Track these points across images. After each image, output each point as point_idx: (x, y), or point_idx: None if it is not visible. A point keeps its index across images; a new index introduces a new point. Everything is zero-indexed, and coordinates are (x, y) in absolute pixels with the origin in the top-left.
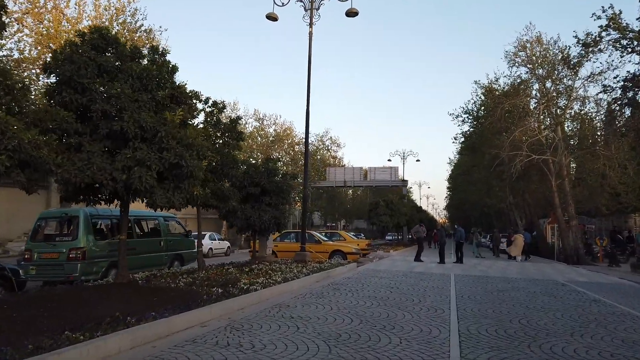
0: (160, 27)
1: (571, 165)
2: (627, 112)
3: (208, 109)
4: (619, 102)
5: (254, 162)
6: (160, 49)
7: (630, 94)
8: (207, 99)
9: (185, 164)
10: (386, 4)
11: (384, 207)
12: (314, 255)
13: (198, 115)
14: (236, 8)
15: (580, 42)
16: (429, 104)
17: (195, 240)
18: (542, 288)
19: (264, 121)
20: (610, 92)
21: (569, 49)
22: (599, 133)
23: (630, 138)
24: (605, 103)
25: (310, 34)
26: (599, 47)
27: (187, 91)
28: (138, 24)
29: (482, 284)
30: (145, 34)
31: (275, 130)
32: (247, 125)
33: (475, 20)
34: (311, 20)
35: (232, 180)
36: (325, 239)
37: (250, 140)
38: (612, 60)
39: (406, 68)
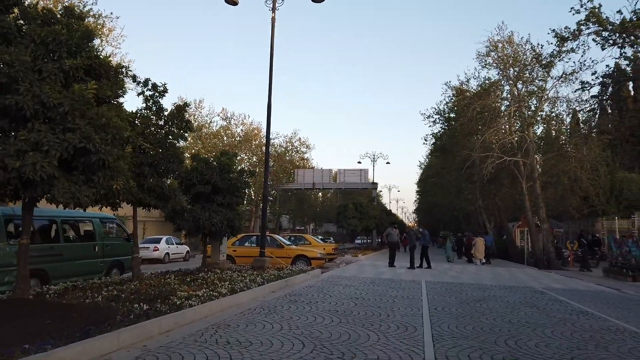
0: (111, 13)
1: (539, 169)
2: (599, 111)
3: (148, 93)
4: (598, 99)
5: (204, 157)
6: (77, 12)
7: (610, 90)
8: (147, 80)
9: (95, 148)
10: (357, 4)
11: (353, 210)
12: (275, 260)
13: (124, 93)
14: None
15: (558, 36)
16: (400, 107)
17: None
18: (520, 297)
19: (232, 120)
20: (589, 89)
21: (541, 47)
22: (568, 135)
23: (604, 139)
24: (576, 104)
25: (273, 19)
26: (577, 41)
27: (110, 63)
28: (86, 9)
29: (456, 292)
30: (93, 19)
31: (242, 130)
32: (212, 124)
33: (450, 20)
34: (274, 4)
35: (176, 176)
36: (289, 243)
37: (216, 140)
38: (585, 60)
39: (378, 69)
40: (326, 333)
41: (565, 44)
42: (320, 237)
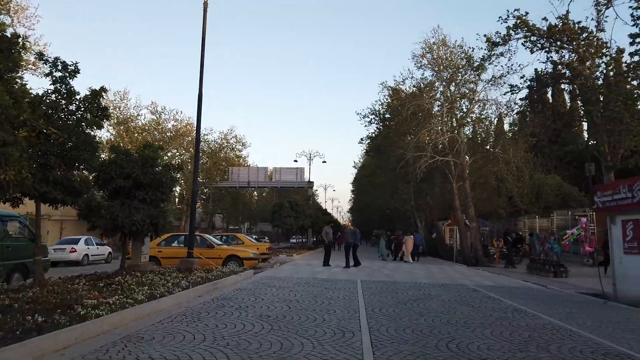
0: None
1: (466, 170)
2: (528, 113)
3: (58, 74)
4: (526, 101)
5: (125, 148)
6: None
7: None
8: (56, 59)
9: None
10: (294, 2)
11: (288, 208)
12: (204, 262)
13: (20, 68)
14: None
15: (490, 41)
16: (338, 107)
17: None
18: (455, 295)
19: (162, 115)
20: (517, 92)
21: (473, 50)
22: (495, 137)
23: (529, 140)
24: (504, 107)
25: (205, 4)
26: (507, 45)
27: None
28: None
29: (392, 291)
30: None
31: (174, 125)
32: (140, 117)
33: (389, 20)
34: None
35: (90, 168)
36: (220, 242)
37: (145, 135)
38: (512, 65)
39: (315, 68)
40: (255, 343)
41: (496, 48)
42: (254, 236)
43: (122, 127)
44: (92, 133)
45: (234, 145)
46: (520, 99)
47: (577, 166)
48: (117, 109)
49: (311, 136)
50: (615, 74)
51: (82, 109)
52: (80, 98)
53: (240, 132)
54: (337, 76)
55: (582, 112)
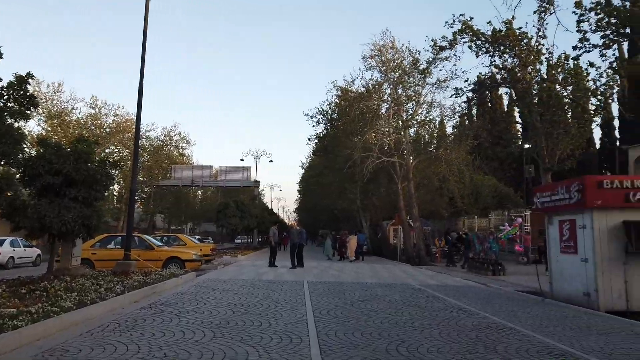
0: None
1: (411, 171)
2: (474, 115)
3: None
4: (470, 104)
5: (55, 142)
6: None
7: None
8: None
9: None
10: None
11: (234, 208)
12: (143, 264)
13: None
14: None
15: (436, 44)
16: (285, 106)
17: None
18: (401, 295)
19: (102, 109)
20: (462, 95)
21: (419, 53)
22: (439, 139)
23: (471, 143)
24: (449, 110)
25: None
26: (453, 49)
27: None
28: None
29: (339, 292)
30: None
31: (115, 121)
32: (75, 111)
33: (339, 20)
34: None
35: (14, 162)
36: (160, 244)
37: (82, 130)
38: (456, 70)
39: (264, 67)
40: (196, 352)
41: (442, 52)
42: (197, 237)
43: (55, 121)
44: (17, 124)
45: (177, 143)
46: (464, 102)
47: (516, 168)
48: (50, 101)
49: (259, 136)
50: (547, 80)
51: (6, 97)
52: (2, 85)
53: (184, 130)
54: (287, 75)
55: (518, 116)
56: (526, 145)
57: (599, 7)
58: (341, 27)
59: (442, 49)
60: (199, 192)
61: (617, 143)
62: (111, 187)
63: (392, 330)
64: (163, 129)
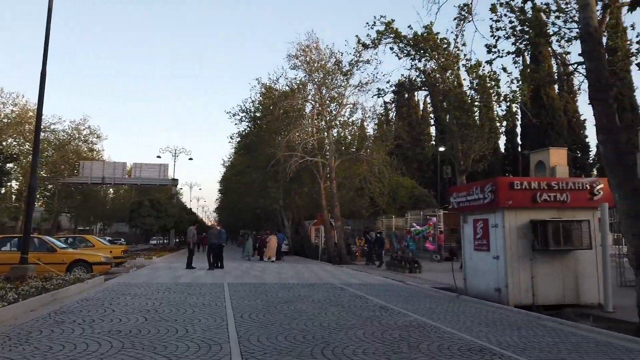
0: None
1: (334, 171)
2: (394, 117)
3: None
4: (390, 106)
5: None
6: None
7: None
8: None
9: None
10: None
11: (149, 207)
12: (43, 268)
13: None
14: None
15: (361, 43)
16: (206, 103)
17: None
18: (324, 295)
19: None
20: (384, 96)
21: (342, 54)
22: (361, 140)
23: (390, 144)
24: (370, 112)
25: None
26: (376, 50)
27: None
28: None
29: (261, 294)
30: None
31: (13, 111)
32: None
33: (263, 18)
34: None
35: None
36: (64, 246)
37: None
38: (378, 73)
39: (185, 63)
40: None
41: (366, 51)
42: (107, 238)
43: None
44: None
45: (87, 137)
46: (385, 102)
47: (434, 169)
48: None
49: (177, 132)
50: (457, 85)
51: None
52: None
53: (95, 123)
54: (206, 71)
55: (432, 119)
56: (441, 148)
57: (513, 12)
58: (266, 22)
59: (365, 46)
60: (111, 190)
61: (519, 149)
62: (7, 184)
63: (316, 332)
64: (71, 122)
